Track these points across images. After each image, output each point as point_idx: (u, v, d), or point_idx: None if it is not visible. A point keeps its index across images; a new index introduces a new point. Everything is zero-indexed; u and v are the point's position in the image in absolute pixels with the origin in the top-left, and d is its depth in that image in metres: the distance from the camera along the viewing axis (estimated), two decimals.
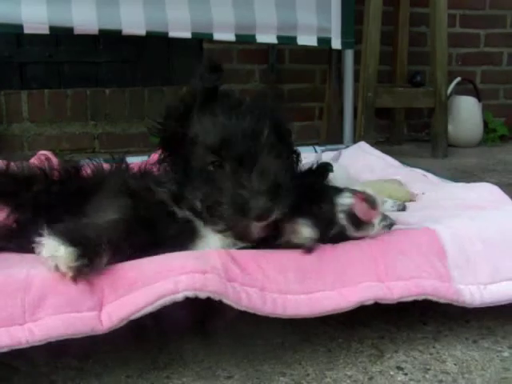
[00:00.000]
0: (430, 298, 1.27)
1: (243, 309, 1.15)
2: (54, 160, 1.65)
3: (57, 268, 1.10)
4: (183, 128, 1.30)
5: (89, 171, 1.56)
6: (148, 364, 1.21)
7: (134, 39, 3.22)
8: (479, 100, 3.87)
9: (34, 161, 1.93)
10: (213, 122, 1.27)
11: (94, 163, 1.57)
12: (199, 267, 1.14)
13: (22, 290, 1.10)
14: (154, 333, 1.28)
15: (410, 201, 1.98)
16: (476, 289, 1.30)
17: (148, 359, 1.22)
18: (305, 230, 1.26)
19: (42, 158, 1.58)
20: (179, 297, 1.10)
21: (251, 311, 1.16)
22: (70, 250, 1.08)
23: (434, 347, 1.28)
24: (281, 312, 1.17)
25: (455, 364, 1.21)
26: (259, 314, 1.16)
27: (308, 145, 2.85)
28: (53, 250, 1.09)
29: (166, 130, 1.31)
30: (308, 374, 1.17)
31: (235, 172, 1.19)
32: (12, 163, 1.52)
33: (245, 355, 1.24)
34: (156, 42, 3.44)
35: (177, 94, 1.77)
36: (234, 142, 1.22)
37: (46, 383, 1.15)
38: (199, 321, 1.32)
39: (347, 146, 2.85)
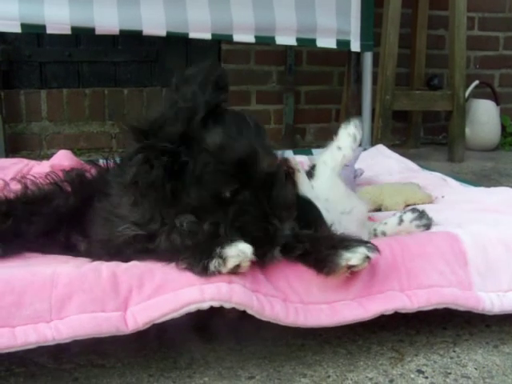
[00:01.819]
0: (449, 306, 1.28)
1: (266, 319, 1.16)
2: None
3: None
4: (178, 148, 1.17)
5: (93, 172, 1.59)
6: (170, 363, 1.22)
7: (152, 39, 3.25)
8: (497, 103, 3.85)
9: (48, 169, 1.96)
10: (224, 143, 1.18)
11: (99, 164, 1.61)
12: (226, 276, 1.15)
13: (48, 288, 1.12)
14: (175, 333, 1.29)
15: (429, 203, 1.98)
16: (496, 296, 1.31)
17: (170, 358, 1.24)
18: None
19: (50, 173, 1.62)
20: (204, 306, 1.12)
21: (274, 321, 1.17)
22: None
23: (454, 351, 1.28)
24: (302, 322, 1.19)
25: (476, 368, 1.21)
26: (281, 323, 1.18)
27: (325, 147, 2.84)
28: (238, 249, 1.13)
29: (155, 149, 1.16)
30: (329, 376, 1.18)
31: (260, 201, 1.19)
32: (29, 185, 1.56)
33: (266, 356, 1.25)
34: (174, 42, 3.45)
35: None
36: (252, 166, 1.19)
37: (70, 380, 1.16)
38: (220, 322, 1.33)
39: (365, 149, 2.84)
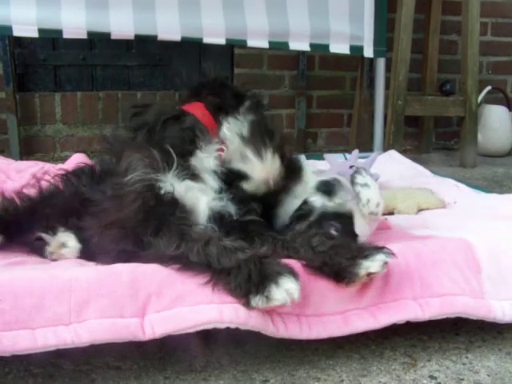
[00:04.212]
0: (461, 315, 1.29)
1: (281, 337, 1.20)
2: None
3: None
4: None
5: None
6: (185, 366, 1.24)
7: (165, 43, 3.26)
8: (509, 109, 3.84)
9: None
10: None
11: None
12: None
13: (67, 291, 1.14)
14: (190, 336, 1.31)
15: (442, 208, 1.99)
16: (508, 304, 1.31)
17: (185, 361, 1.25)
18: None
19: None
20: (222, 326, 1.14)
21: (288, 338, 1.20)
22: None
23: (466, 357, 1.29)
24: (315, 336, 1.22)
25: (488, 375, 1.22)
26: (296, 339, 1.21)
27: (336, 151, 2.87)
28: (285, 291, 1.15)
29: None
30: (342, 380, 1.19)
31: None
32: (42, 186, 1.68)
33: (280, 360, 1.26)
34: (187, 47, 3.47)
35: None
36: None
37: (87, 381, 1.18)
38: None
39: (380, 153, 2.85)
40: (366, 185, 1.47)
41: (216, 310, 1.14)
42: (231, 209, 1.34)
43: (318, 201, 1.45)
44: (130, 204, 1.29)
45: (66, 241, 1.53)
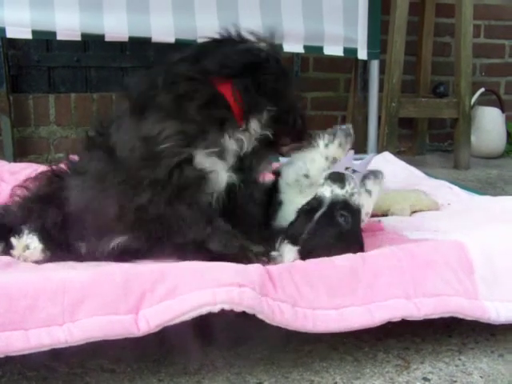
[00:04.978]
0: (455, 315, 1.29)
1: (275, 324, 1.19)
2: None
3: None
4: None
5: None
6: (179, 368, 1.24)
7: (160, 45, 3.26)
8: (503, 111, 3.86)
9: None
10: None
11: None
12: (237, 280, 1.17)
13: (60, 293, 1.14)
14: (184, 339, 1.31)
15: (435, 210, 2.00)
16: (502, 305, 1.32)
17: (179, 364, 1.25)
18: None
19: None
20: (216, 308, 1.14)
21: (283, 326, 1.19)
22: None
23: (459, 359, 1.30)
24: (311, 327, 1.21)
25: (481, 377, 1.23)
26: (290, 328, 1.20)
27: None
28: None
29: None
30: (336, 383, 1.20)
31: None
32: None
33: (274, 362, 1.26)
34: (181, 48, 3.46)
35: None
36: None
37: None
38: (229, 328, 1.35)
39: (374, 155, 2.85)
40: (369, 192, 1.49)
41: (209, 293, 1.15)
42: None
43: (328, 190, 1.48)
44: (164, 172, 1.37)
45: (29, 243, 1.52)
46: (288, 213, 1.56)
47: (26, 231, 1.54)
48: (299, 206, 1.53)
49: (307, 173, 1.63)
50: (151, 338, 1.16)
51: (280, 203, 1.61)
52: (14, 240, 1.53)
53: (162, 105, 1.41)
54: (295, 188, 1.63)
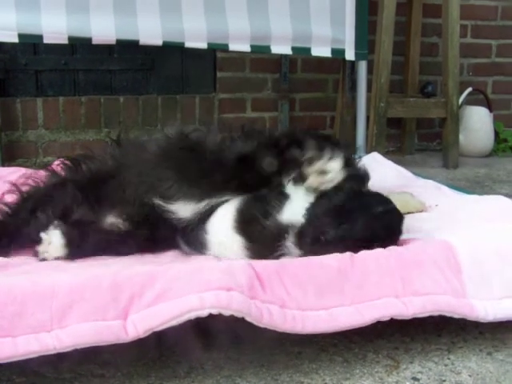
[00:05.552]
0: (444, 313, 1.30)
1: (264, 326, 1.18)
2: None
3: None
4: None
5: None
6: (169, 372, 1.23)
7: (148, 48, 3.26)
8: (490, 110, 3.88)
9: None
10: None
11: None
12: (224, 284, 1.17)
13: (49, 298, 1.13)
14: (173, 342, 1.31)
15: (423, 211, 2.00)
16: (490, 304, 1.32)
17: (169, 367, 1.25)
18: None
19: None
20: (204, 313, 1.14)
21: (272, 328, 1.19)
22: None
23: (448, 358, 1.30)
24: (300, 329, 1.21)
25: (470, 375, 1.23)
26: (279, 330, 1.20)
27: None
28: None
29: None
30: None
31: None
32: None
33: (264, 364, 1.26)
34: (170, 51, 3.46)
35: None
36: None
37: None
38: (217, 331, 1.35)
39: (360, 157, 2.86)
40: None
41: (196, 298, 1.14)
42: None
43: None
44: None
45: (51, 238, 1.53)
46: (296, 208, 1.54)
47: (51, 226, 1.55)
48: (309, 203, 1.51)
49: None
50: (141, 342, 1.16)
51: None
52: (43, 235, 1.54)
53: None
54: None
